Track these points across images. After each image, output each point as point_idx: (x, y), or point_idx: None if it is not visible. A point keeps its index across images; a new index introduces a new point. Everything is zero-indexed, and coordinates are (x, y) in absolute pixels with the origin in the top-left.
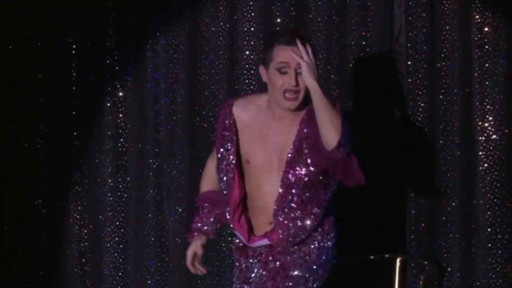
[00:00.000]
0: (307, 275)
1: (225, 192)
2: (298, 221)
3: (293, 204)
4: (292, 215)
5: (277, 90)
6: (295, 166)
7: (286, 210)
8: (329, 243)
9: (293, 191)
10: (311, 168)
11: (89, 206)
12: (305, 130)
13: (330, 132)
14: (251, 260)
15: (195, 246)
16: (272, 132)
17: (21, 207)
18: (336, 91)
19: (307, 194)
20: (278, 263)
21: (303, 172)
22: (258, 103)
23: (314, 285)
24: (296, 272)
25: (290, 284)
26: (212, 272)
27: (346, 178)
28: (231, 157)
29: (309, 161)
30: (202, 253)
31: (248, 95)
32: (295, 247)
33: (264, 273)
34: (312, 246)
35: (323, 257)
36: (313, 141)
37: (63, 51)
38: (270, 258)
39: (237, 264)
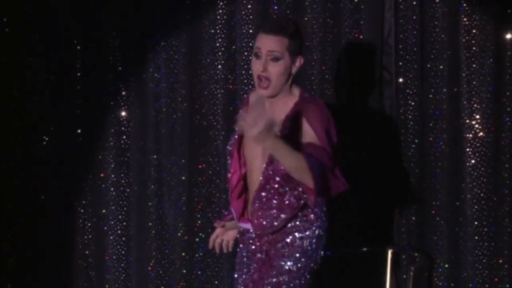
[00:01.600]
0: (289, 264)
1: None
2: (274, 211)
3: (269, 195)
4: (268, 205)
5: (254, 76)
6: (275, 159)
7: (263, 199)
8: (311, 232)
9: (271, 182)
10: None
11: (93, 201)
12: (287, 126)
13: (303, 180)
14: (244, 248)
15: (220, 229)
16: None
17: (28, 202)
18: (330, 90)
19: (285, 187)
20: (264, 253)
21: (282, 166)
22: None
23: (300, 275)
24: (280, 262)
25: (274, 273)
26: (211, 263)
27: (329, 192)
28: (234, 138)
29: None
30: (229, 238)
31: None
32: (280, 237)
33: (253, 264)
34: (295, 236)
35: (307, 247)
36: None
37: (68, 52)
38: (258, 248)
39: (238, 249)
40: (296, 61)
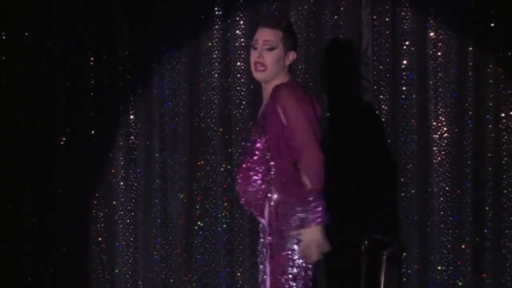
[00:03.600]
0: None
1: None
2: (249, 186)
3: (245, 168)
4: (245, 178)
5: (251, 65)
6: (254, 135)
7: (242, 173)
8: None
9: (248, 156)
10: (262, 139)
11: (105, 193)
12: (266, 108)
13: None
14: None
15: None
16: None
17: (47, 194)
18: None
19: (255, 159)
20: (266, 245)
21: (258, 143)
22: None
23: (304, 267)
24: (273, 243)
25: (279, 268)
26: (209, 248)
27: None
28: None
29: (261, 133)
30: None
31: None
32: (269, 225)
33: (260, 255)
34: (277, 219)
35: (291, 225)
36: (269, 118)
37: (83, 62)
38: (262, 238)
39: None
40: (289, 55)
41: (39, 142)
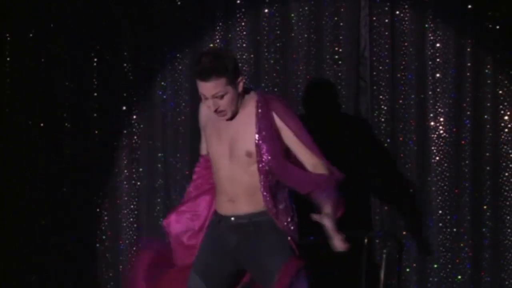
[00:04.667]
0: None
1: None
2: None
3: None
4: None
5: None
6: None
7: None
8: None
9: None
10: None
11: (109, 192)
12: (262, 125)
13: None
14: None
15: None
16: (225, 128)
17: (53, 193)
18: (315, 96)
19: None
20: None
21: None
22: None
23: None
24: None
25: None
26: None
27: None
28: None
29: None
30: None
31: None
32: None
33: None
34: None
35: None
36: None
37: (87, 64)
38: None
39: None
40: (238, 84)
41: (44, 142)
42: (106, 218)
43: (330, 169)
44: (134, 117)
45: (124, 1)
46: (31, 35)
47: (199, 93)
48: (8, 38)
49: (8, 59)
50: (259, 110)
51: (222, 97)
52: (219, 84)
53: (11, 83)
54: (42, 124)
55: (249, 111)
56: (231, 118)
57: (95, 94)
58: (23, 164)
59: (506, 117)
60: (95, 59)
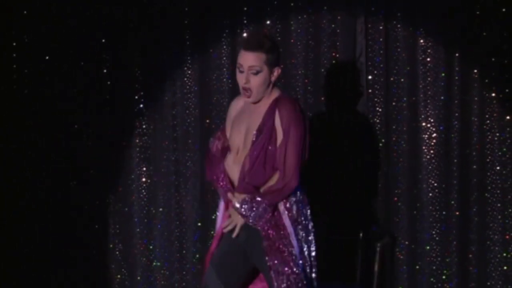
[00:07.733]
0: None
1: None
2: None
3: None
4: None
5: (239, 86)
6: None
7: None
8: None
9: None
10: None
11: (121, 189)
12: (266, 119)
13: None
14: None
15: None
16: (245, 119)
17: (69, 190)
18: (311, 99)
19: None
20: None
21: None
22: None
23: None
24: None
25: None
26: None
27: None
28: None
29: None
30: None
31: None
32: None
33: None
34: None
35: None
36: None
37: (99, 69)
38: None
39: None
40: (274, 71)
41: (59, 142)
42: (118, 213)
43: (287, 186)
44: (145, 118)
45: (136, 6)
46: (37, 36)
47: (236, 65)
48: (13, 39)
49: (15, 58)
50: (271, 108)
51: (256, 73)
52: (259, 58)
53: (18, 82)
54: (56, 125)
55: (268, 106)
56: (254, 103)
57: (107, 96)
58: (23, 164)
59: (491, 119)
60: (107, 64)
